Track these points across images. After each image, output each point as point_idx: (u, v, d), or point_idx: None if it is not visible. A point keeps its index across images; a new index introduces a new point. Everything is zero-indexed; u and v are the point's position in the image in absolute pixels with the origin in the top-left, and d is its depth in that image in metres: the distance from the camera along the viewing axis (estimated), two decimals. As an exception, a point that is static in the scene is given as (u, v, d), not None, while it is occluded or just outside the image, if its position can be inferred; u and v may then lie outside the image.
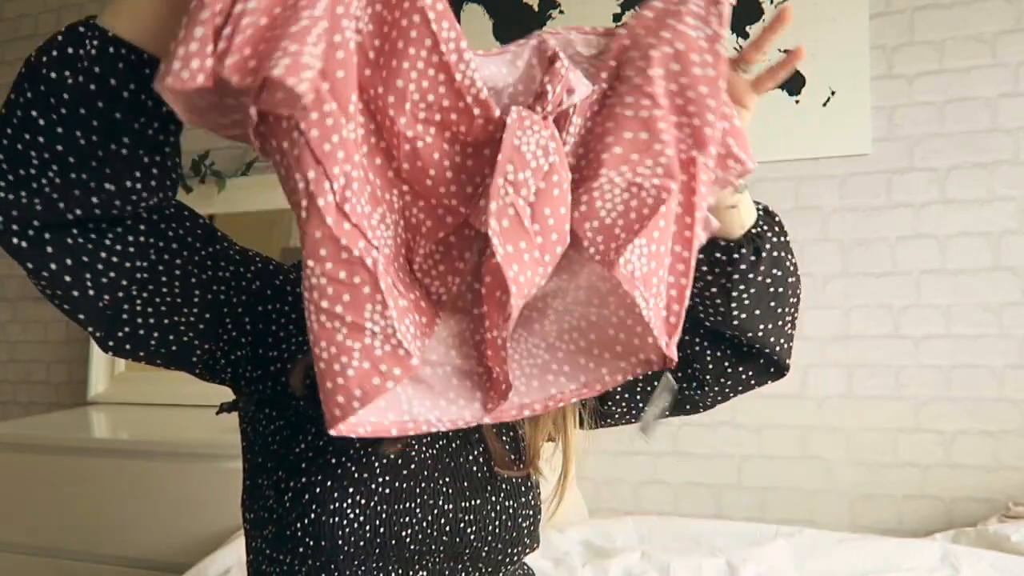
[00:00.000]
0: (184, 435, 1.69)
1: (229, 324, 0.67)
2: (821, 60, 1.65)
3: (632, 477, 1.78)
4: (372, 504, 0.66)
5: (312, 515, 0.66)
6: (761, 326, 0.69)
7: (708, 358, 0.73)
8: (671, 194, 0.54)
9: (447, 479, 0.70)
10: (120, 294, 0.59)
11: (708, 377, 0.74)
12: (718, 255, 0.65)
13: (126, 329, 0.61)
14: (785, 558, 1.34)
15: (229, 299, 0.67)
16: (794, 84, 1.68)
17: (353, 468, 0.67)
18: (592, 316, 0.60)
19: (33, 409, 2.31)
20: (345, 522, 0.65)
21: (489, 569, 0.73)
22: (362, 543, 0.66)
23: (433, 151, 0.53)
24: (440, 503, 0.69)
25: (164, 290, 0.61)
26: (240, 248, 0.71)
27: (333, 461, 0.67)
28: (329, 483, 0.65)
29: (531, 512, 0.75)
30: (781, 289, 0.68)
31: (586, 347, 0.60)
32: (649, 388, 0.76)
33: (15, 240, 0.53)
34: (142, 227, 0.58)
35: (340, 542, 0.65)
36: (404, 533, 0.67)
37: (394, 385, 0.50)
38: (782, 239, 0.68)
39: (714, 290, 0.67)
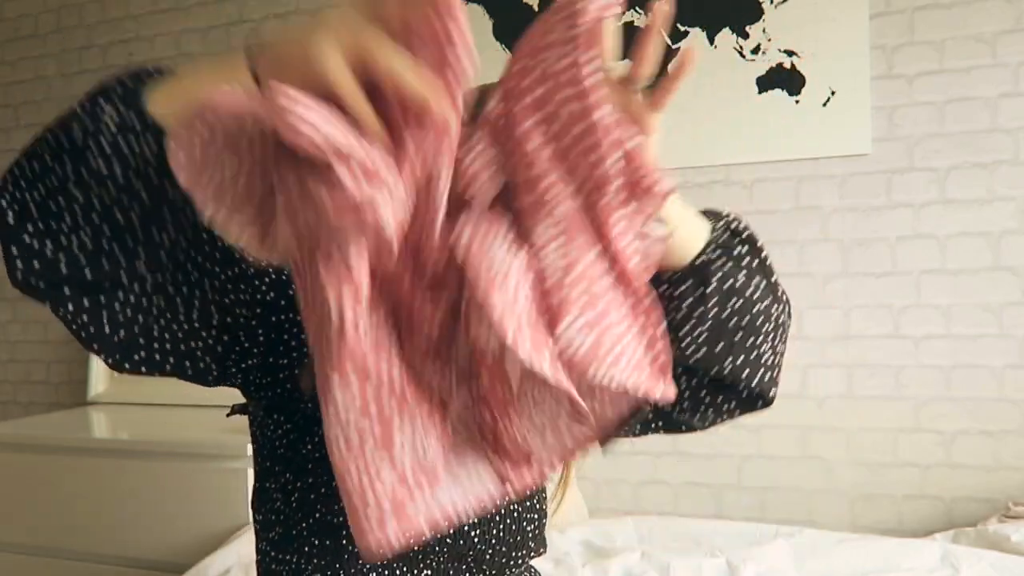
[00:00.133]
0: (184, 435, 1.69)
1: (244, 340, 0.66)
2: (821, 60, 1.65)
3: (632, 477, 1.78)
4: None
5: (317, 515, 0.66)
6: (729, 360, 0.61)
7: (684, 389, 0.65)
8: (581, 256, 0.49)
9: None
10: (137, 329, 0.57)
11: (686, 407, 0.67)
12: (662, 289, 0.59)
13: (141, 354, 0.59)
14: (785, 558, 1.34)
15: (247, 319, 0.66)
16: (794, 84, 1.68)
17: None
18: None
19: (33, 409, 2.31)
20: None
21: (493, 571, 0.73)
22: None
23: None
24: None
25: (182, 319, 0.59)
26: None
27: None
28: (334, 483, 0.66)
29: (536, 516, 0.75)
30: (747, 319, 0.60)
31: (587, 390, 0.54)
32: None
33: (33, 281, 0.52)
34: (166, 267, 0.57)
35: (344, 542, 0.66)
36: None
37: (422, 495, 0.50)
38: (743, 263, 0.61)
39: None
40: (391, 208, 0.43)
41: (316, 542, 0.67)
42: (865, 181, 1.65)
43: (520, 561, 0.74)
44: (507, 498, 0.55)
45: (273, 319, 0.68)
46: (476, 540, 0.70)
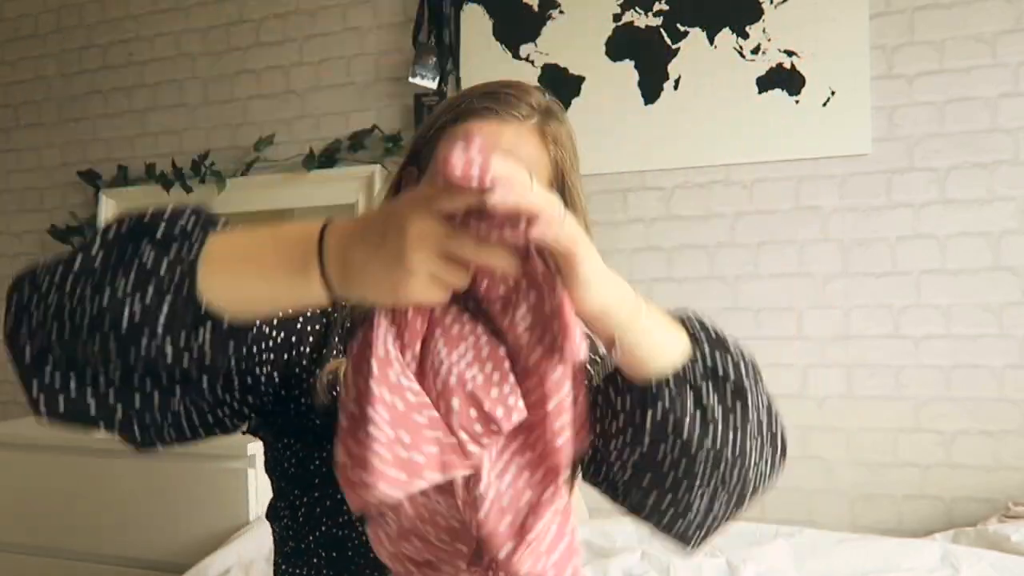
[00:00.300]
0: (184, 435, 1.69)
1: (262, 389, 0.67)
2: (821, 60, 1.65)
3: (632, 477, 1.78)
4: None
5: (323, 527, 0.69)
6: (654, 496, 0.56)
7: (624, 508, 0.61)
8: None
9: None
10: (163, 421, 0.57)
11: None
12: (609, 389, 0.56)
13: (165, 437, 0.60)
14: (785, 558, 1.34)
15: (263, 371, 0.67)
16: (794, 84, 1.68)
17: None
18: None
19: (33, 409, 2.31)
20: (354, 534, 0.68)
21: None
22: (372, 554, 0.66)
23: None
24: None
25: (208, 395, 0.58)
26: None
27: None
28: (340, 496, 0.66)
29: None
30: (683, 464, 0.54)
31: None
32: None
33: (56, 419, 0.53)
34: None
35: (351, 553, 0.68)
36: None
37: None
38: (709, 410, 0.53)
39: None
40: None
41: (323, 554, 0.69)
42: (865, 181, 1.65)
43: None
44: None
45: (285, 356, 0.69)
46: None
